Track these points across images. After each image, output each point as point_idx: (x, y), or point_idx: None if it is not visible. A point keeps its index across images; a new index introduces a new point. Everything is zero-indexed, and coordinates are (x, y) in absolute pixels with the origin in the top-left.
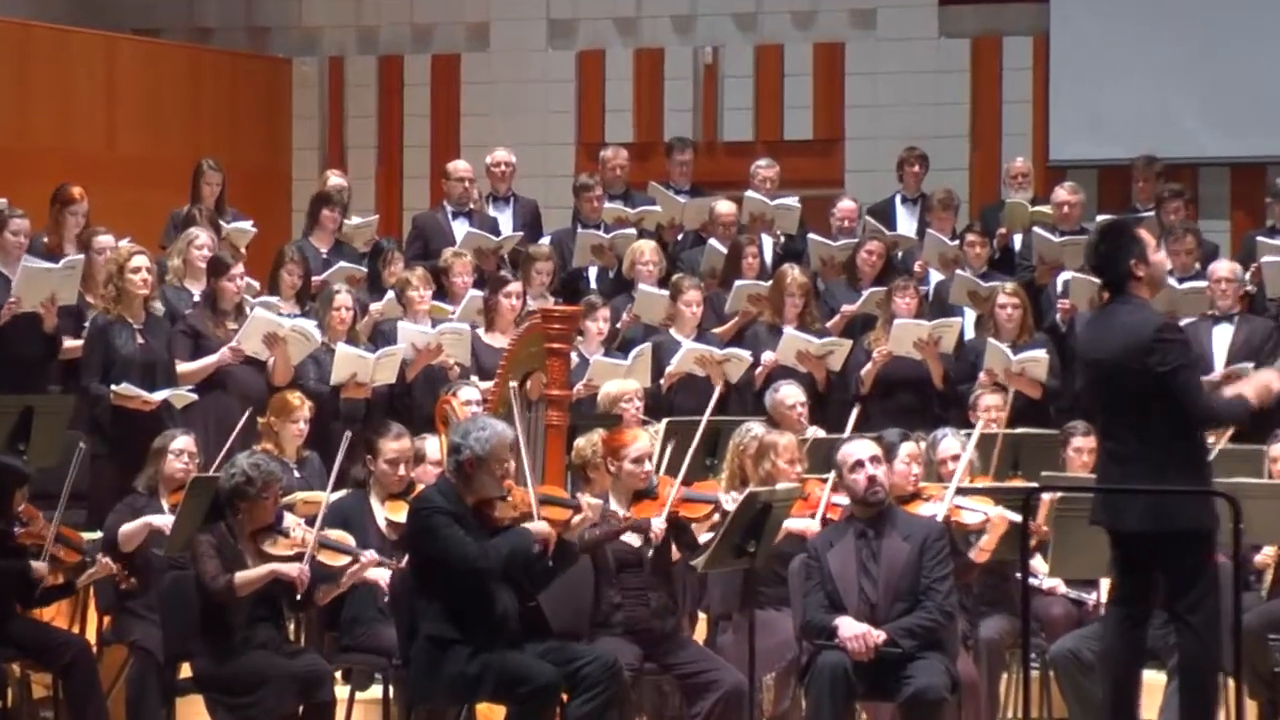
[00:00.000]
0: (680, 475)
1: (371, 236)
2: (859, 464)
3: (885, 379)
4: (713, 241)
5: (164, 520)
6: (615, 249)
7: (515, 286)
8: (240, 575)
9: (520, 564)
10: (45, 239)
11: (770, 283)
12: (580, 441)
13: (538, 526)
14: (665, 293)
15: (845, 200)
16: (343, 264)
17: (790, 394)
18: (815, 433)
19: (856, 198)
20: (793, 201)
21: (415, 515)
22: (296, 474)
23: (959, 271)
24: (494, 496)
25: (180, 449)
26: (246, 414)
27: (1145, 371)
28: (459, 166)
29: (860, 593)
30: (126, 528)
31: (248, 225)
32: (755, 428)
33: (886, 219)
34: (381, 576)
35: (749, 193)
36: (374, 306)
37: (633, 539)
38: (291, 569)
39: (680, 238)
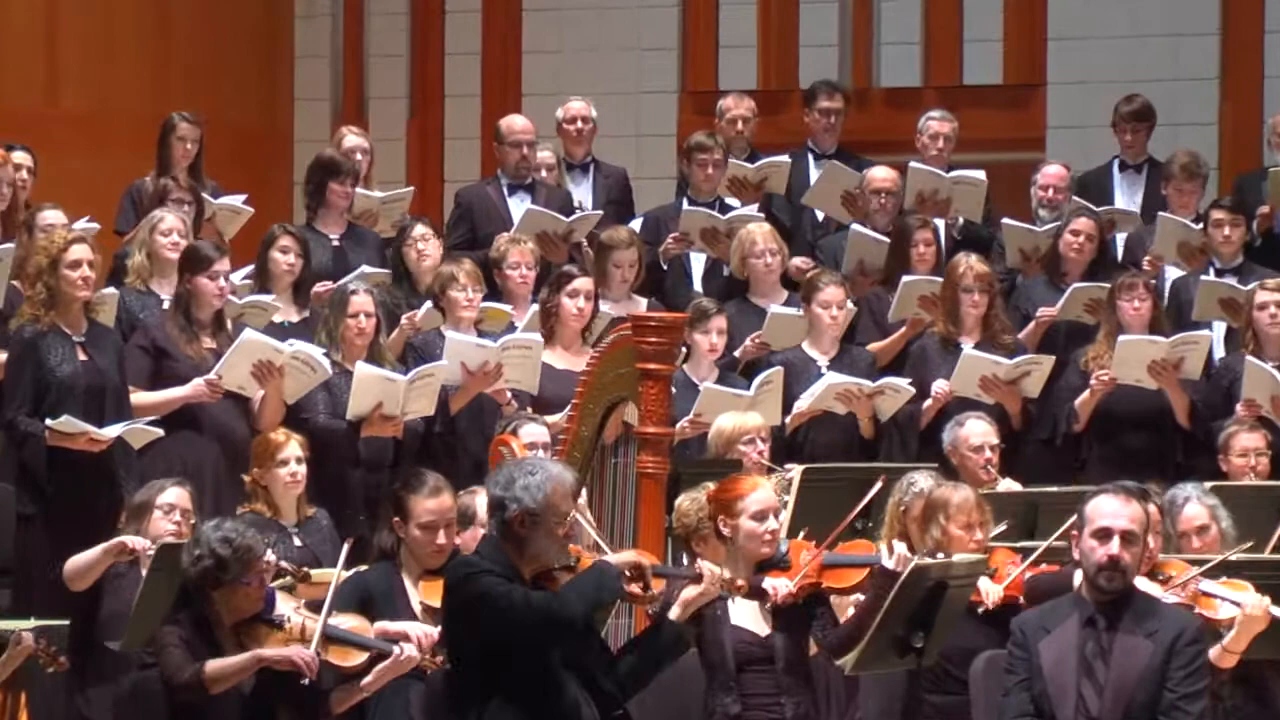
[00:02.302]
0: (833, 537)
1: (403, 216)
2: (1105, 532)
3: (1107, 412)
4: (856, 227)
5: (140, 543)
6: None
7: (583, 283)
8: (214, 663)
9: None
10: None
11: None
12: (683, 501)
13: (621, 557)
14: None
15: (1052, 165)
16: (365, 268)
17: (978, 431)
18: (1008, 485)
19: (1065, 163)
20: (977, 175)
21: (455, 584)
22: (298, 541)
23: (1204, 277)
24: (557, 566)
25: (171, 504)
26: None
27: None
28: (516, 124)
29: (1079, 702)
30: (78, 558)
31: (239, 202)
32: (920, 481)
33: (1101, 193)
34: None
35: (913, 163)
36: (406, 316)
37: (754, 619)
38: (290, 652)
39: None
